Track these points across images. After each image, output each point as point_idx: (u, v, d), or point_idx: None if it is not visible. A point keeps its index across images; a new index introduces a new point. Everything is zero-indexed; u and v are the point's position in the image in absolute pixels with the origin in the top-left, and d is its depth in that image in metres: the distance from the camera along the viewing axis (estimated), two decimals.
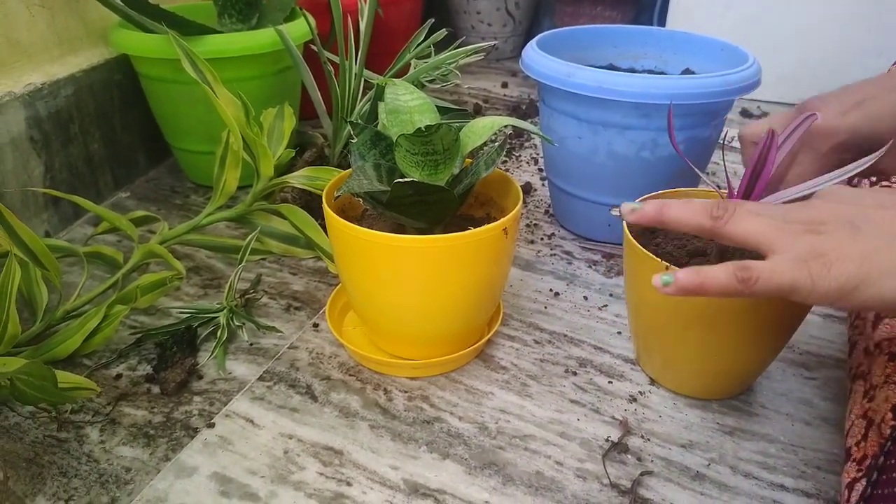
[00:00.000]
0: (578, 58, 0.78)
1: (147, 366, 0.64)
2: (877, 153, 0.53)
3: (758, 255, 0.59)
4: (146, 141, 1.01)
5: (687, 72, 0.85)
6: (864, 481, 0.43)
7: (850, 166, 0.50)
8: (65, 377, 0.55)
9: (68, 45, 0.88)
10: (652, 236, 0.62)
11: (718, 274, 0.39)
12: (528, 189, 0.98)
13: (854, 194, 0.40)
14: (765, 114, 1.28)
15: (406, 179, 0.52)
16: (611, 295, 0.76)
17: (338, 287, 0.71)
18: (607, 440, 0.57)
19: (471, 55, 0.96)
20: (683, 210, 0.42)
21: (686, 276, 0.39)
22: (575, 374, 0.64)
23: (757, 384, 0.63)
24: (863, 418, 0.47)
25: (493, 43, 1.10)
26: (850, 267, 0.35)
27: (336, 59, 0.89)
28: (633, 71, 0.88)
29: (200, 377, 0.63)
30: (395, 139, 0.54)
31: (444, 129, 0.52)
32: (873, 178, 0.65)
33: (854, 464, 0.45)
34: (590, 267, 0.81)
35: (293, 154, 0.83)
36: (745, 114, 1.28)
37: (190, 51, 0.73)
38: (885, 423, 0.44)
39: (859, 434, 0.47)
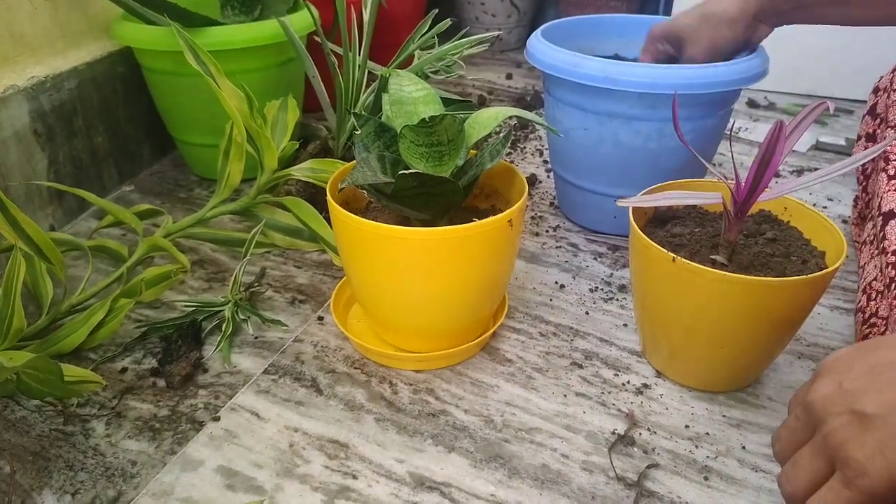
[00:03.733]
0: (584, 48, 0.78)
1: (152, 359, 0.65)
2: (886, 141, 0.53)
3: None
4: (150, 134, 1.01)
5: None
6: None
7: (857, 155, 0.50)
8: (70, 371, 0.55)
9: (71, 38, 0.88)
10: (658, 227, 0.62)
11: None
12: (533, 181, 0.98)
13: (855, 359, 0.36)
14: (772, 104, 1.27)
15: (410, 171, 0.51)
16: (617, 287, 0.75)
17: (342, 280, 0.71)
18: (613, 433, 0.57)
19: (475, 46, 0.95)
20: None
21: None
22: (581, 366, 0.64)
23: (764, 376, 0.62)
24: None
25: (497, 33, 1.09)
26: (878, 462, 0.32)
27: (339, 50, 0.89)
28: (638, 61, 0.87)
29: (205, 371, 0.63)
30: (399, 130, 0.54)
31: (449, 120, 0.51)
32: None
33: None
34: (595, 259, 0.81)
35: (297, 146, 0.82)
36: (752, 104, 1.27)
37: (193, 43, 0.73)
38: None
39: None
